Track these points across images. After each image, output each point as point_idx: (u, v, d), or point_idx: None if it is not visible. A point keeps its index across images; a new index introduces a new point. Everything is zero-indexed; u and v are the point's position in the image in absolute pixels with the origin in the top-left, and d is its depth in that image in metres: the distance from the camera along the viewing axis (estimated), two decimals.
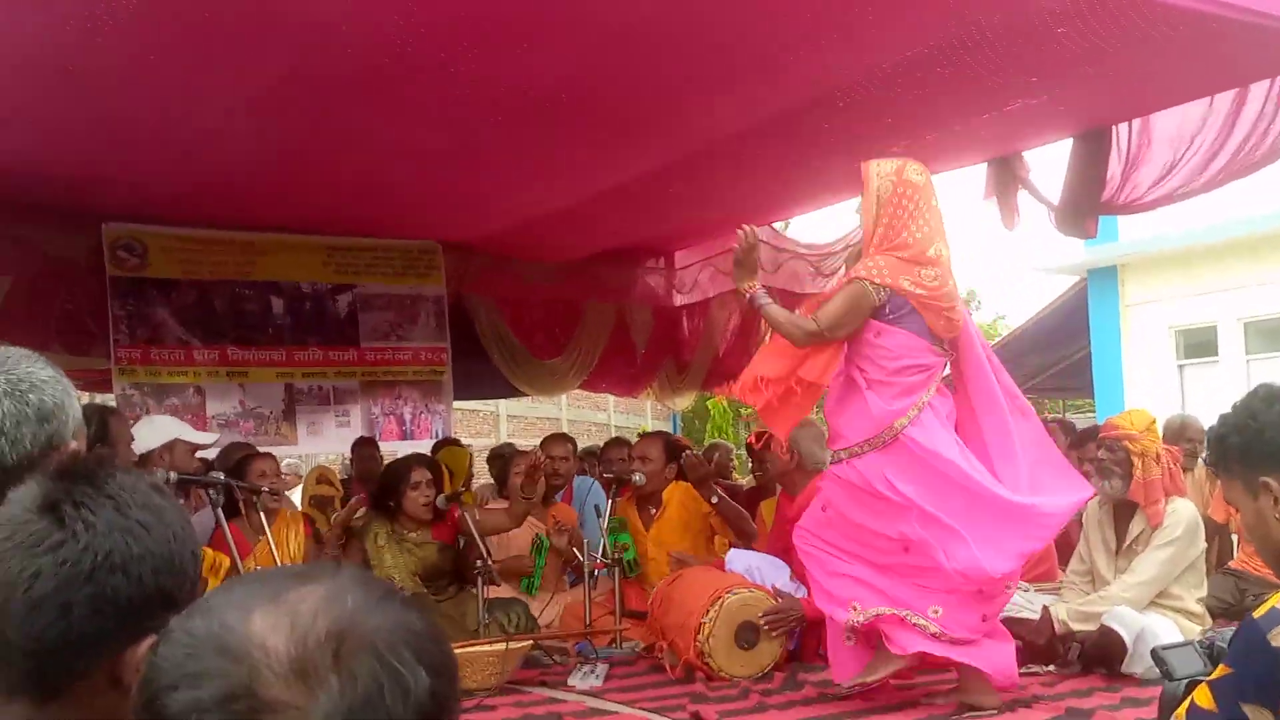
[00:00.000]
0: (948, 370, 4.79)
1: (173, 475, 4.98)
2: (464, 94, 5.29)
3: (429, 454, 7.58)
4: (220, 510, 5.09)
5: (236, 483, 5.44)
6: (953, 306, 4.64)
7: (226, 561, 5.11)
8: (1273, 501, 2.12)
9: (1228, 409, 2.27)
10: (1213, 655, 2.22)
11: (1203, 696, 2.01)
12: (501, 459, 7.71)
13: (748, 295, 4.78)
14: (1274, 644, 1.90)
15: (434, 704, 1.00)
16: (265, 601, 1.01)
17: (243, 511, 5.69)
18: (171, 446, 5.58)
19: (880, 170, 4.64)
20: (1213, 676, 2.03)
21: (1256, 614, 1.97)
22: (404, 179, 6.71)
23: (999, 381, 4.78)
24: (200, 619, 1.01)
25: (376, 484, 6.48)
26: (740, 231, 4.69)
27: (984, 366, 4.78)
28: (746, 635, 5.41)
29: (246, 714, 0.95)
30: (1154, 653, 2.33)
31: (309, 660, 0.96)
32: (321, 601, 1.00)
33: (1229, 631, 2.23)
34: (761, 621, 5.41)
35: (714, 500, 6.44)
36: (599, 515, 6.36)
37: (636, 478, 6.46)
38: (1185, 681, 2.21)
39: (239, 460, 6.16)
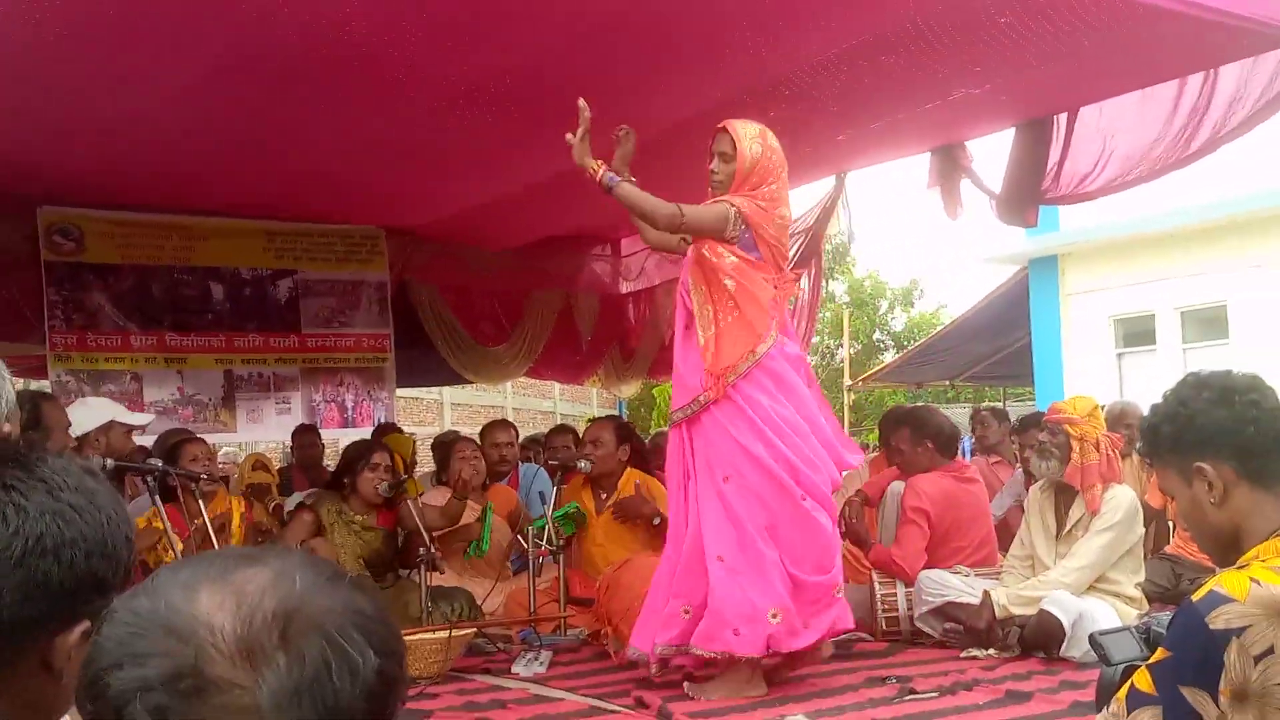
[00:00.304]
0: None
1: (109, 462, 4.91)
2: (407, 80, 5.23)
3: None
4: (157, 497, 5.03)
5: (174, 470, 5.38)
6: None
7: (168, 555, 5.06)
8: (1206, 487, 2.15)
9: (1159, 399, 2.30)
10: (1149, 641, 2.24)
11: (1142, 680, 2.03)
12: (444, 446, 7.68)
13: (596, 176, 4.83)
14: (1212, 627, 1.92)
15: (381, 684, 0.99)
16: (212, 581, 1.00)
17: (179, 497, 5.63)
18: (108, 428, 5.51)
19: (748, 132, 4.86)
20: (1152, 660, 2.06)
21: (1195, 597, 1.99)
22: (346, 165, 6.64)
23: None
24: (146, 598, 1.01)
25: (343, 464, 6.44)
26: (580, 103, 4.72)
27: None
28: None
29: (192, 693, 0.94)
30: (1092, 639, 2.35)
31: (256, 639, 0.96)
32: (269, 581, 1.00)
33: (1165, 616, 2.26)
34: None
35: (655, 522, 6.35)
36: (544, 502, 6.34)
37: (583, 464, 6.44)
38: (1123, 667, 2.23)
39: (172, 445, 6.09)
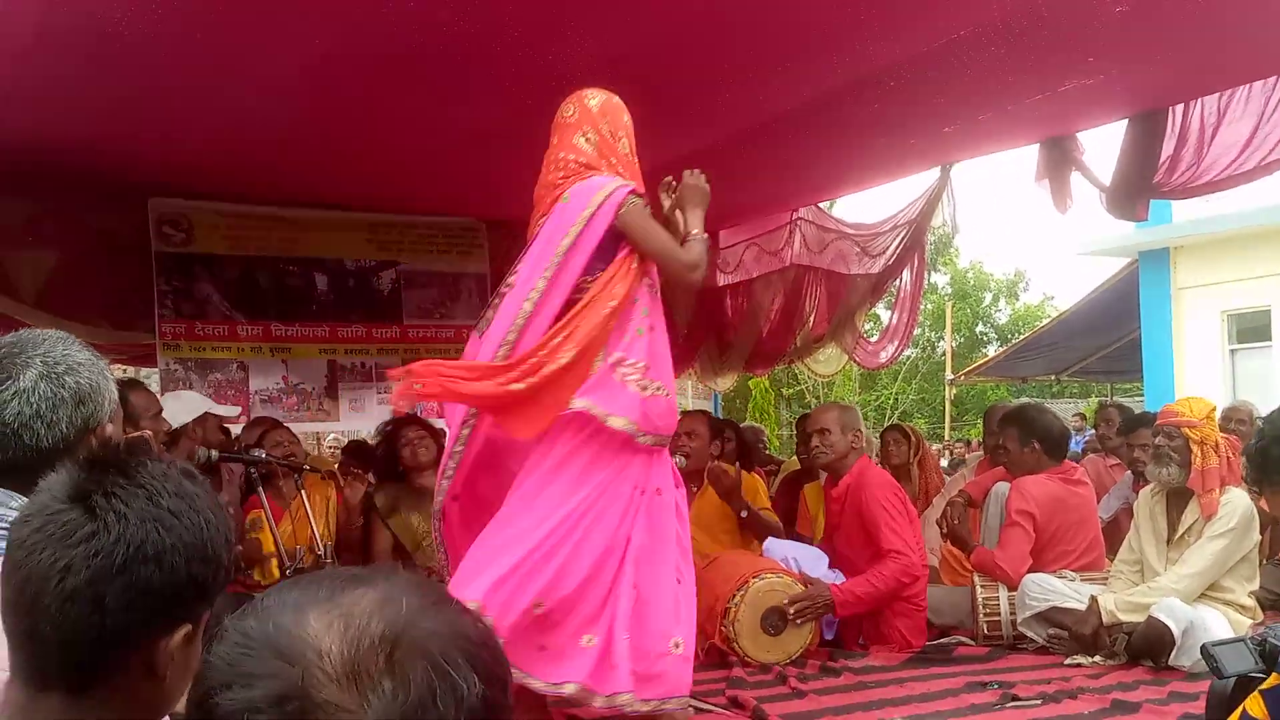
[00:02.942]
0: None
1: (213, 454, 5.02)
2: (510, 72, 5.24)
3: None
4: (260, 488, 5.15)
5: (277, 460, 5.49)
6: None
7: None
8: None
9: (1267, 417, 2.20)
10: (1264, 652, 2.16)
11: (1255, 705, 1.95)
12: None
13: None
14: None
15: (486, 710, 0.99)
16: (320, 603, 1.01)
17: (276, 481, 5.75)
18: (204, 420, 5.66)
19: (613, 102, 4.30)
20: (1266, 685, 1.97)
21: None
22: (448, 156, 6.69)
23: None
24: (255, 619, 1.02)
25: (378, 458, 6.53)
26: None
27: None
28: (773, 621, 5.36)
29: (299, 715, 0.95)
30: (1204, 649, 2.27)
31: (362, 663, 0.96)
32: (376, 604, 1.01)
33: None
34: (787, 607, 5.36)
35: (743, 515, 6.29)
36: None
37: (678, 459, 6.40)
38: (1235, 679, 2.15)
39: (260, 434, 6.22)
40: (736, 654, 5.32)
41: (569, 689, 3.80)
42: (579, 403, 3.96)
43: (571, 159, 4.17)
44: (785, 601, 5.37)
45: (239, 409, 7.06)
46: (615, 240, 4.10)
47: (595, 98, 4.25)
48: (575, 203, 4.10)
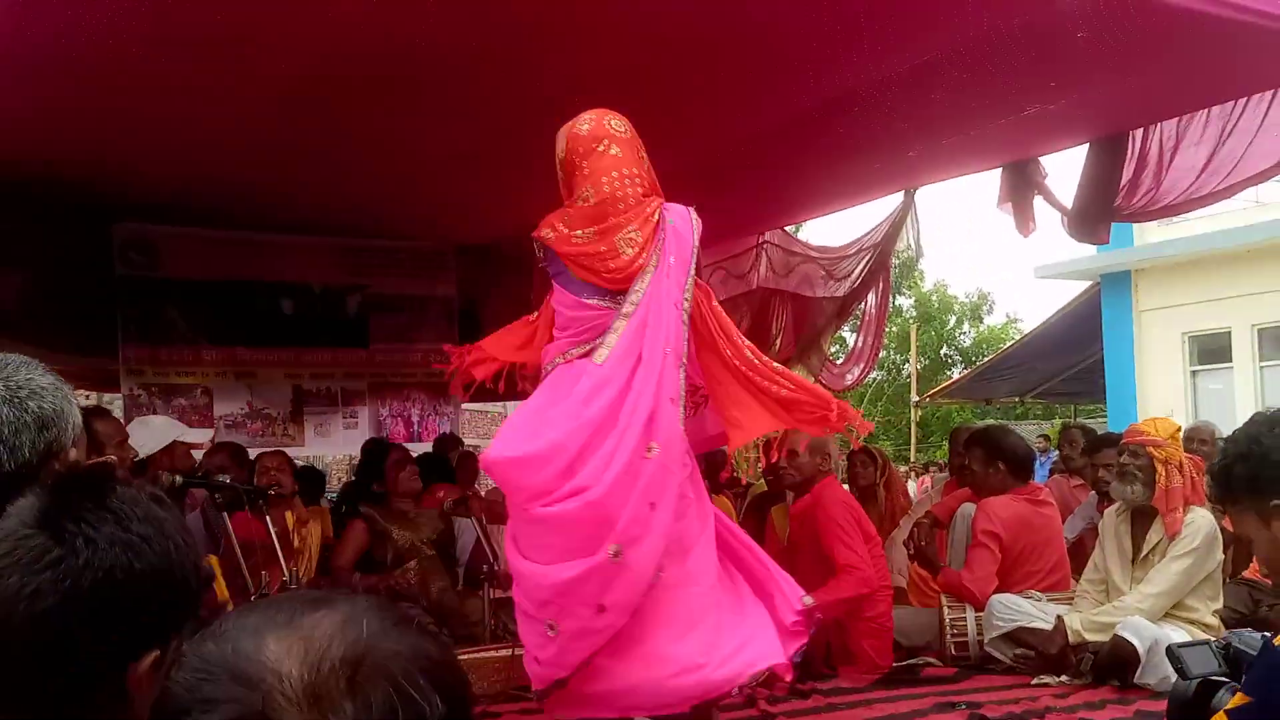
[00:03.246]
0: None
1: (177, 478, 4.97)
2: (480, 97, 5.26)
3: (432, 452, 7.81)
4: (225, 514, 5.11)
5: (241, 486, 5.43)
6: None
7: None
8: None
9: (1229, 436, 2.22)
10: (1228, 656, 2.17)
11: None
12: None
13: None
14: None
15: None
16: (280, 626, 1.00)
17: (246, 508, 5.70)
18: (171, 449, 5.58)
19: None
20: (1230, 705, 1.98)
21: (1277, 642, 1.91)
22: (418, 181, 6.69)
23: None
24: (214, 643, 1.01)
25: (360, 475, 6.58)
26: None
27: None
28: None
29: None
30: (1169, 650, 2.29)
31: (323, 686, 0.95)
32: (337, 626, 0.99)
33: (1247, 633, 2.19)
34: None
35: None
36: None
37: None
38: (1197, 681, 2.17)
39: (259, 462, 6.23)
40: None
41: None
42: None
43: (641, 176, 4.24)
44: None
45: (210, 433, 7.00)
46: None
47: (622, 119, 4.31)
48: (681, 225, 4.23)
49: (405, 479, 6.35)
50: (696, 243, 4.24)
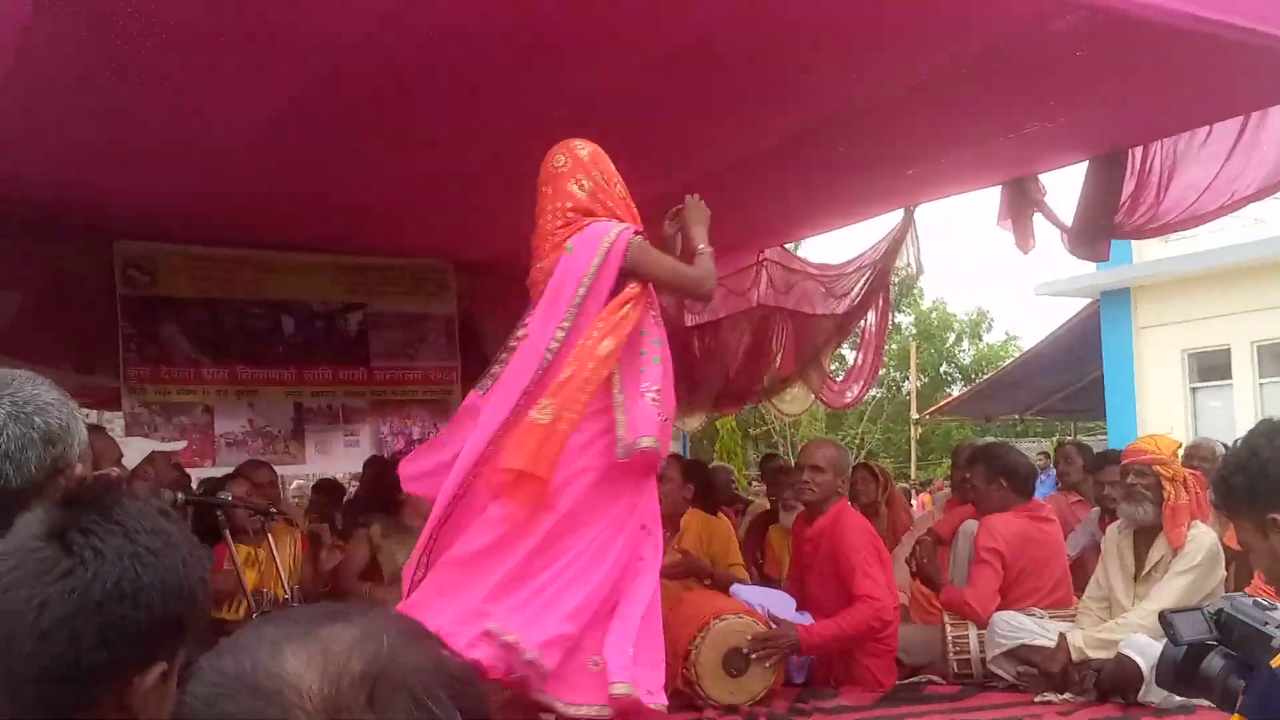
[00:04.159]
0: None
1: (180, 496, 4.96)
2: (479, 115, 5.27)
3: None
4: (227, 530, 5.09)
5: (242, 504, 5.43)
6: None
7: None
8: None
9: (1231, 447, 2.23)
10: (1220, 622, 2.17)
11: None
12: None
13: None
14: None
15: None
16: (298, 640, 0.99)
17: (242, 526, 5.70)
18: (151, 459, 5.57)
19: (599, 151, 4.45)
20: None
21: (1274, 664, 1.90)
22: (416, 199, 6.70)
23: None
24: (231, 657, 1.00)
25: (375, 479, 6.49)
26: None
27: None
28: (735, 662, 5.28)
29: None
30: (1162, 616, 2.30)
31: (343, 701, 0.94)
32: (355, 640, 0.98)
33: (1239, 597, 2.19)
34: (748, 649, 5.29)
35: (706, 584, 6.28)
36: None
37: None
38: (1185, 647, 2.17)
39: (225, 476, 6.17)
40: (700, 696, 5.26)
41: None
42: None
43: (568, 207, 4.29)
44: (748, 639, 5.31)
45: (183, 443, 6.99)
46: (623, 280, 4.23)
47: (585, 147, 4.38)
48: (582, 252, 4.22)
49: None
50: (609, 264, 4.20)
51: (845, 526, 5.61)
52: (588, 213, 4.30)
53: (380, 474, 6.48)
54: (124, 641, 1.43)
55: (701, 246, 4.46)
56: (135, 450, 5.66)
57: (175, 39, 4.29)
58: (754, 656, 5.29)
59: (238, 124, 5.28)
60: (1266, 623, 2.09)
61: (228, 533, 5.16)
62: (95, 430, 4.83)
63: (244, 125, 5.30)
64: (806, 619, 5.59)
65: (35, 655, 1.40)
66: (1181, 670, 2.16)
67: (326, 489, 8.74)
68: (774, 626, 5.42)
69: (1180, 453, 5.49)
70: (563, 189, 4.31)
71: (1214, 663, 2.14)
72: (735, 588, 5.98)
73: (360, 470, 8.84)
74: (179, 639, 1.52)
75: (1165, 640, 2.24)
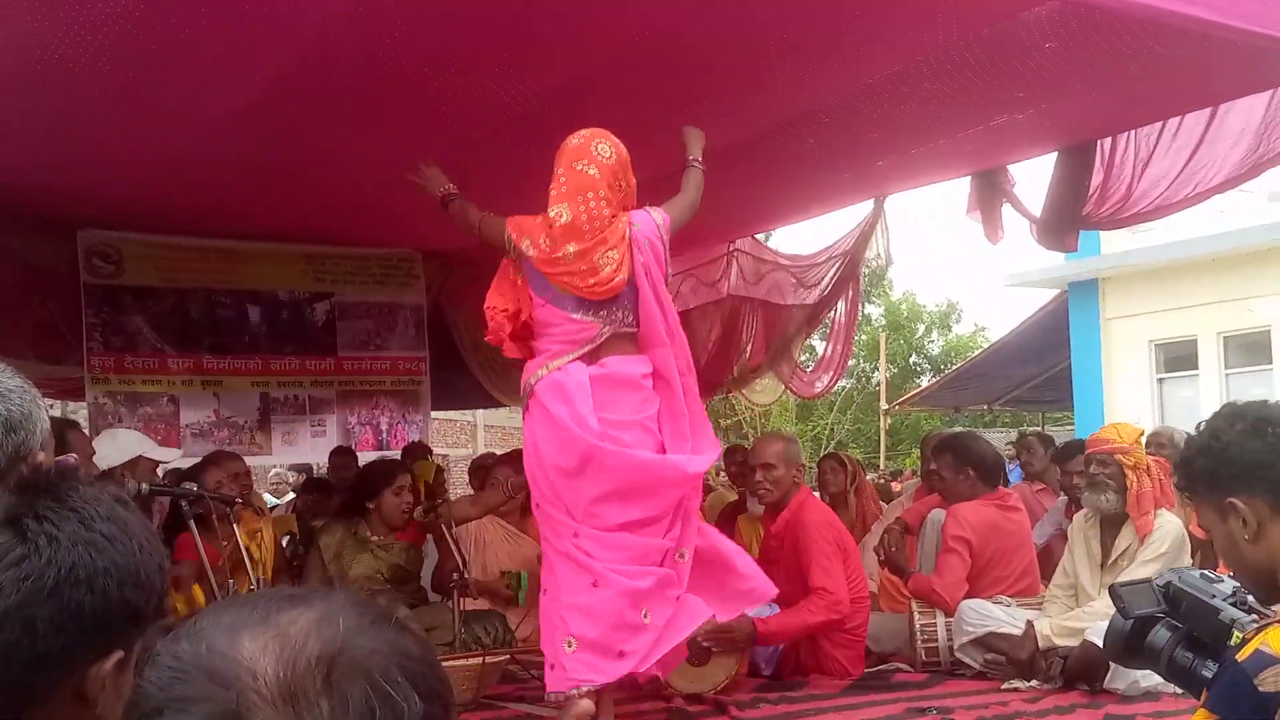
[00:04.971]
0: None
1: (144, 486, 4.91)
2: (447, 108, 5.24)
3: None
4: (192, 522, 5.02)
5: (209, 495, 5.36)
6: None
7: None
8: (1241, 523, 2.07)
9: (1193, 432, 2.24)
10: (1169, 596, 2.18)
11: None
12: (484, 469, 7.67)
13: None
14: (1261, 689, 1.82)
15: None
16: (255, 624, 0.98)
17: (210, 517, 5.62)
18: (134, 463, 5.50)
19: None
20: None
21: (1240, 657, 1.89)
22: (384, 189, 6.63)
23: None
24: (188, 642, 0.99)
25: (352, 483, 6.41)
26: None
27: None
28: (696, 652, 5.28)
29: None
30: (1112, 589, 2.33)
31: (299, 684, 0.94)
32: (313, 623, 0.98)
33: (1187, 571, 2.21)
34: (705, 641, 5.27)
35: None
36: None
37: None
38: (1133, 621, 2.19)
39: (197, 467, 6.06)
40: (664, 685, 5.25)
41: None
42: None
43: (610, 197, 4.58)
44: (701, 635, 5.27)
45: (179, 452, 6.87)
46: None
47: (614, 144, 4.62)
48: (645, 228, 4.68)
49: (390, 509, 5.95)
50: (666, 235, 4.74)
51: (806, 521, 5.61)
52: (627, 205, 4.70)
53: (365, 478, 6.29)
54: (80, 628, 1.42)
55: (695, 158, 5.00)
56: (122, 447, 5.60)
57: (143, 27, 4.25)
58: (714, 650, 5.29)
59: (206, 114, 5.23)
60: (1214, 595, 2.10)
61: (193, 523, 5.09)
62: (69, 425, 4.81)
63: (212, 115, 5.25)
64: (774, 610, 5.60)
65: None
66: (1129, 642, 2.18)
67: (316, 487, 8.66)
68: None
69: (1143, 440, 5.52)
70: (612, 179, 4.59)
71: (1160, 635, 2.16)
72: None
73: (326, 460, 8.83)
74: (136, 627, 1.50)
75: (1114, 613, 2.26)
